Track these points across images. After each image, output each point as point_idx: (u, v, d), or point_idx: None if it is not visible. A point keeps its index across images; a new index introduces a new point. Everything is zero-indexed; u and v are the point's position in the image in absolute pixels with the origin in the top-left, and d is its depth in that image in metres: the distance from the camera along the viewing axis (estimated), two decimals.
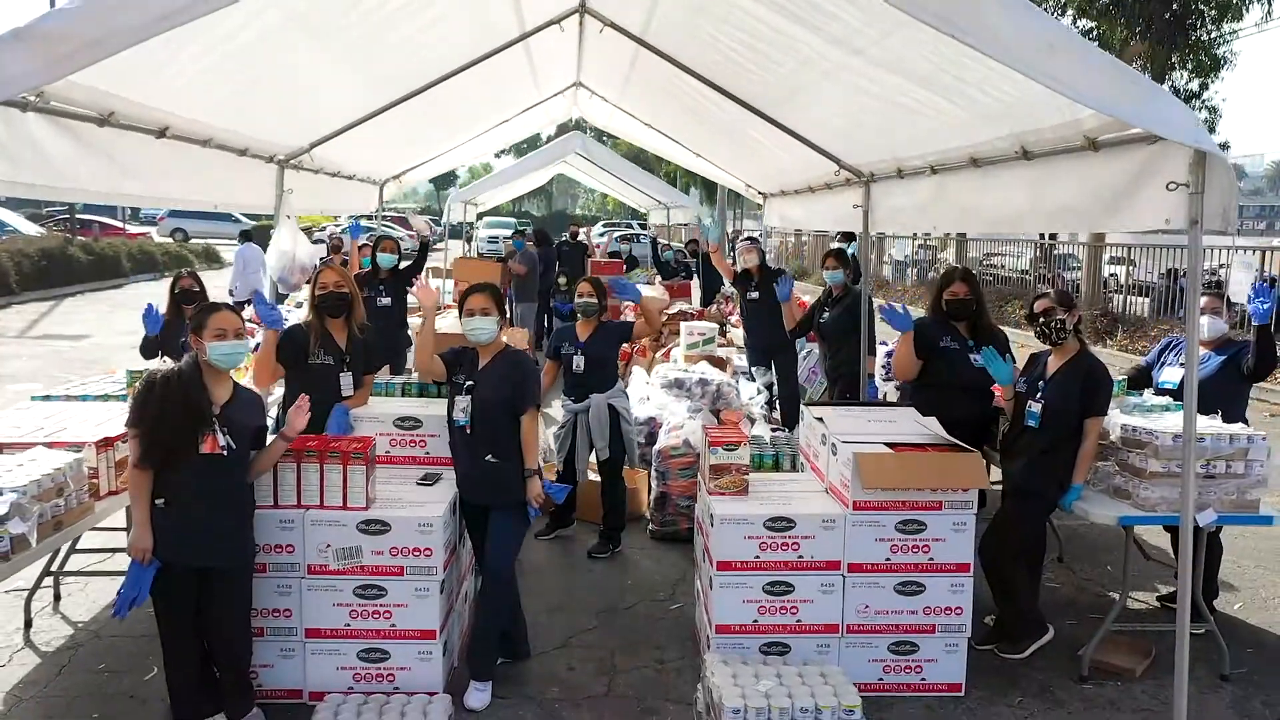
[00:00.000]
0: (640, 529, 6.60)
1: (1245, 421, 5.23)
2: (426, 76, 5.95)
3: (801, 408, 5.38)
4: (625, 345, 11.36)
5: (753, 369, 8.64)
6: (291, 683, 4.20)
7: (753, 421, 7.39)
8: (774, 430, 7.53)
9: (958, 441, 4.45)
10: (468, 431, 4.32)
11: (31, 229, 26.82)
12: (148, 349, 6.68)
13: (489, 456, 4.29)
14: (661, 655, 4.77)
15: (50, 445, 4.14)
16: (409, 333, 8.04)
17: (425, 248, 8.08)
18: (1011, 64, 2.94)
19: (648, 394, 7.89)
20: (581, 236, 15.34)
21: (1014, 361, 5.39)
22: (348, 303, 4.85)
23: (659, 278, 14.91)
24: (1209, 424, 4.65)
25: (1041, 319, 4.68)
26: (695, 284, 15.05)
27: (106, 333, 15.13)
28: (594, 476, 6.35)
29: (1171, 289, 16.56)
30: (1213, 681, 4.62)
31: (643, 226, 34.33)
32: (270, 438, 4.05)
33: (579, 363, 5.93)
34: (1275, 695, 4.51)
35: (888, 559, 4.31)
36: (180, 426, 3.57)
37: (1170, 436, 4.38)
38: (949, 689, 4.42)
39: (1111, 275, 18.98)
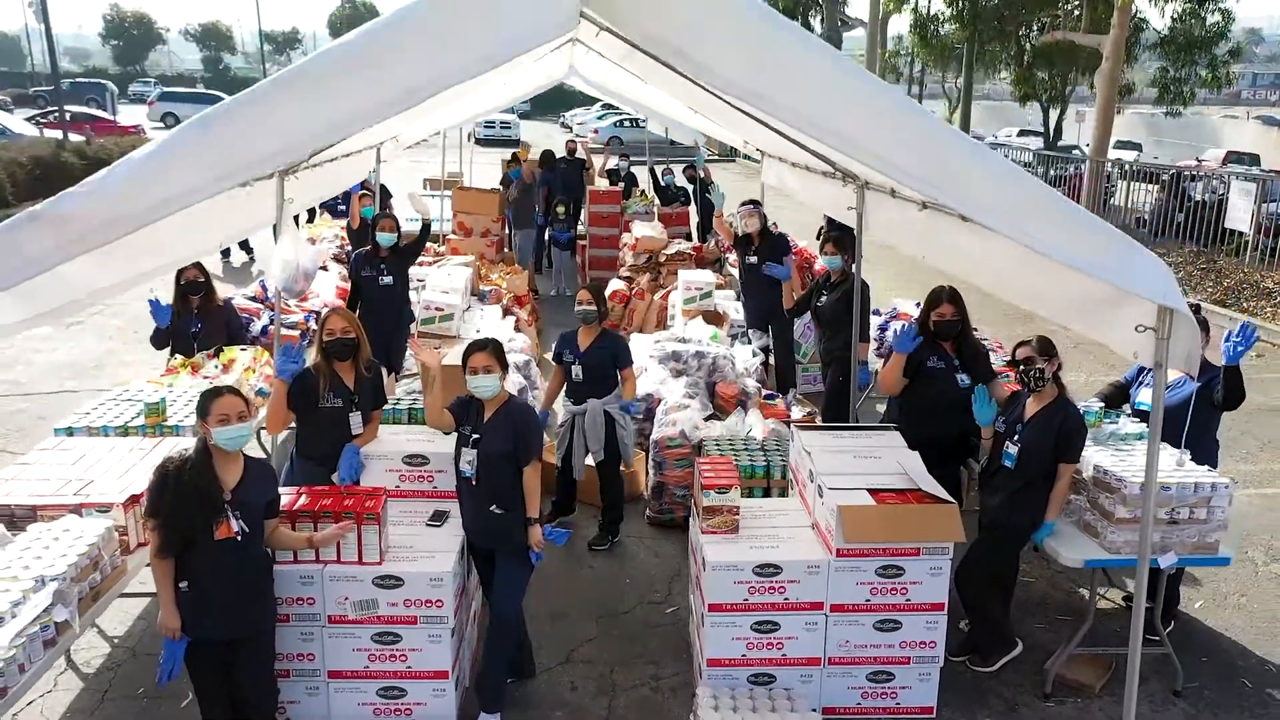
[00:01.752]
0: (638, 512, 6.93)
1: (1216, 444, 5.47)
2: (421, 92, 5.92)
3: (791, 428, 5.60)
4: (621, 286, 11.56)
5: (749, 331, 8.85)
6: (317, 718, 4.57)
7: (747, 397, 7.61)
8: (767, 397, 7.79)
9: (936, 491, 4.68)
10: (473, 483, 4.56)
11: (28, 130, 26.45)
12: (158, 340, 6.89)
13: (493, 508, 4.54)
14: (657, 671, 5.14)
15: (80, 508, 4.39)
16: (410, 309, 8.18)
17: (426, 229, 8.13)
18: (990, 224, 3.05)
19: (645, 366, 8.07)
20: (579, 152, 15.11)
21: (996, 379, 5.61)
22: (355, 347, 5.00)
23: (657, 203, 14.86)
24: (1176, 464, 4.88)
25: (1022, 366, 4.86)
26: (693, 210, 15.01)
27: None
28: (590, 462, 6.62)
29: (1168, 207, 16.40)
30: (1165, 697, 5.00)
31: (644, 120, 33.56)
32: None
33: (578, 372, 6.15)
34: (1224, 713, 4.89)
35: (868, 600, 4.62)
36: (194, 517, 3.78)
37: (1138, 486, 4.61)
38: (921, 711, 4.80)
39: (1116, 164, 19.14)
